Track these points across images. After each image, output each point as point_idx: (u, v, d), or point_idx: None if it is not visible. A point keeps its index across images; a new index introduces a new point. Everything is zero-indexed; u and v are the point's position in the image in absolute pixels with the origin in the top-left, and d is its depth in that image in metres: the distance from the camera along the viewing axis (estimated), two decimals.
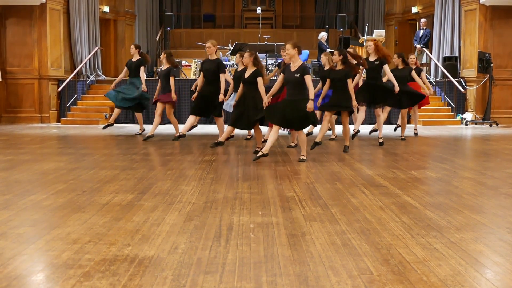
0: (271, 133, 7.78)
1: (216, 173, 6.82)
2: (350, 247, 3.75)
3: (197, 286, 3.04)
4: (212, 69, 9.53)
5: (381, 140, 9.88)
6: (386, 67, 9.73)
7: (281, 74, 7.85)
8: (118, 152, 9.03)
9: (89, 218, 4.52)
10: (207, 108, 9.70)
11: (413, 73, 10.64)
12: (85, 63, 16.20)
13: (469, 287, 3.05)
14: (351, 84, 8.65)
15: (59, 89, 15.39)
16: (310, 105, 7.51)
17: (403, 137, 10.99)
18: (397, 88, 9.72)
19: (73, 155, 8.62)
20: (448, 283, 3.09)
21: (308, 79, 7.56)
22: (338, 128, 11.08)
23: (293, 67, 7.63)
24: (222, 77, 9.49)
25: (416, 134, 11.91)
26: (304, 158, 7.83)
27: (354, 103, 8.70)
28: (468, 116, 15.21)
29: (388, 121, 13.75)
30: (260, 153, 7.70)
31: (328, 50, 16.04)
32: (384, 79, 10.43)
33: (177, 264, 3.38)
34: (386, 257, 3.54)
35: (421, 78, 11.15)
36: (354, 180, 6.37)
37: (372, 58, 9.74)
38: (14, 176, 6.61)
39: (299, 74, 7.55)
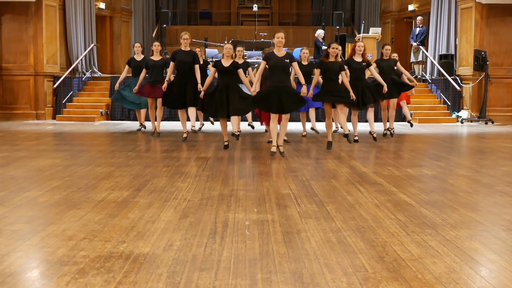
0: (273, 126, 7.93)
1: (212, 170, 6.82)
2: (345, 245, 3.75)
3: (192, 283, 3.04)
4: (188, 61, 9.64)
5: (374, 135, 10.00)
6: (372, 69, 9.80)
7: (263, 61, 7.93)
8: (114, 149, 9.01)
9: (84, 215, 4.52)
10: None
11: (399, 64, 10.59)
12: (81, 59, 16.14)
13: (464, 285, 3.05)
14: (345, 77, 8.89)
15: (55, 86, 15.34)
16: (304, 90, 7.87)
17: (385, 131, 10.99)
18: (385, 89, 9.80)
19: (68, 151, 8.60)
20: (443, 281, 3.09)
21: (296, 65, 7.94)
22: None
23: (280, 54, 7.76)
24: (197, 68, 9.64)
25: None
26: (275, 151, 7.93)
27: (352, 94, 8.89)
28: (464, 114, 15.22)
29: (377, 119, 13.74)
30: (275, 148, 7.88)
31: (324, 47, 16.04)
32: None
33: (172, 261, 3.38)
34: (381, 255, 3.54)
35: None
36: (349, 178, 6.37)
37: (358, 59, 9.68)
38: (9, 172, 6.59)
39: (288, 60, 7.76)
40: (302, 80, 7.90)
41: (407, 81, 10.97)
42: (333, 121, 10.50)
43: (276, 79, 7.74)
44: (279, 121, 8.12)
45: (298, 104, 7.99)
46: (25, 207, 4.81)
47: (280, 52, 7.76)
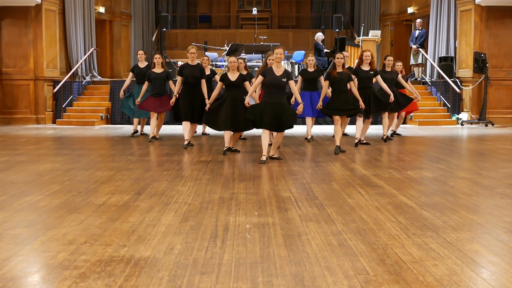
0: (263, 137, 7.80)
1: (212, 174, 6.82)
2: (346, 247, 3.75)
3: (193, 287, 3.03)
4: (195, 75, 9.52)
5: (363, 141, 9.96)
6: (379, 78, 9.85)
7: (260, 77, 7.84)
8: (114, 153, 9.02)
9: (85, 219, 4.51)
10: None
11: (400, 78, 10.58)
12: (81, 64, 16.14)
13: (465, 287, 3.05)
14: (354, 86, 8.99)
15: (55, 90, 15.35)
16: (301, 108, 7.81)
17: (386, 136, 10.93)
18: (392, 98, 9.85)
19: (69, 156, 8.60)
20: (444, 283, 3.09)
21: (292, 83, 7.88)
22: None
23: (278, 72, 7.68)
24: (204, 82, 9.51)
25: (391, 135, 11.48)
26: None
27: (362, 103, 8.92)
28: (464, 116, 15.23)
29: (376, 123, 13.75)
30: (264, 158, 7.75)
31: (325, 50, 16.06)
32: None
33: (173, 265, 3.38)
34: (382, 257, 3.54)
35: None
36: (350, 180, 6.37)
37: (365, 68, 9.78)
38: (9, 177, 6.59)
39: (285, 79, 7.67)
40: (299, 99, 7.86)
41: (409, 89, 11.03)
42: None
43: (272, 96, 7.71)
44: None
45: (292, 120, 7.83)
46: (26, 212, 4.81)
47: (279, 68, 7.70)
